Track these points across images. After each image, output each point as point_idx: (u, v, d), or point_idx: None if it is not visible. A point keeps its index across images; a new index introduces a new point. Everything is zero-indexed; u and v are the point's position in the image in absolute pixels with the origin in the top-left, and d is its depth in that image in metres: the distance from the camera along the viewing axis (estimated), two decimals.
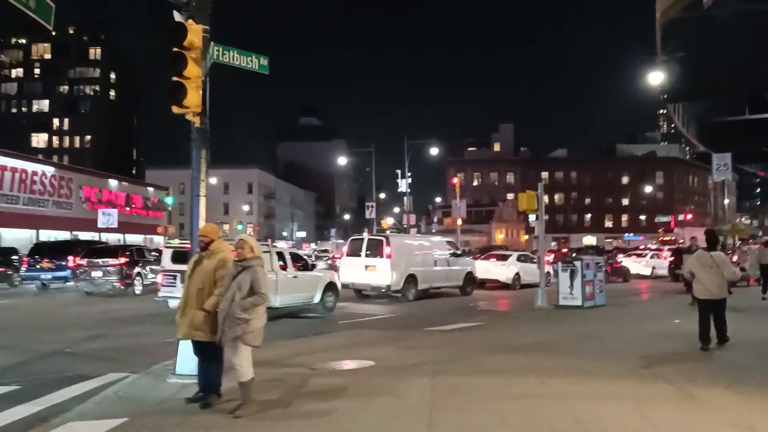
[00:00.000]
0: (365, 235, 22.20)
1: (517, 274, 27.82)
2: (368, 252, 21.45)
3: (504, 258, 29.02)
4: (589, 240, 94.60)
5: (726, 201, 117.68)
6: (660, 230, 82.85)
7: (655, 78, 26.42)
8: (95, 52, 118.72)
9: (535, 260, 31.08)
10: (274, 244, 18.32)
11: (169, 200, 55.32)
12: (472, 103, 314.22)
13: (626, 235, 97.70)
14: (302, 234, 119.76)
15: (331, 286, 18.28)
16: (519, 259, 28.99)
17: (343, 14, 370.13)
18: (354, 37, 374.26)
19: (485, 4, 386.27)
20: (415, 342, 11.86)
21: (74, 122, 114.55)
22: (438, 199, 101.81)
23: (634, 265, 36.82)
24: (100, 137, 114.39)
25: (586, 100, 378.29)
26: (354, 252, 21.87)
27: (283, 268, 16.81)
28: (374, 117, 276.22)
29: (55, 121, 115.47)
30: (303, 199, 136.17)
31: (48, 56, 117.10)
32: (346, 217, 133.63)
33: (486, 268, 27.32)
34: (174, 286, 15.48)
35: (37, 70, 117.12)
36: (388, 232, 42.27)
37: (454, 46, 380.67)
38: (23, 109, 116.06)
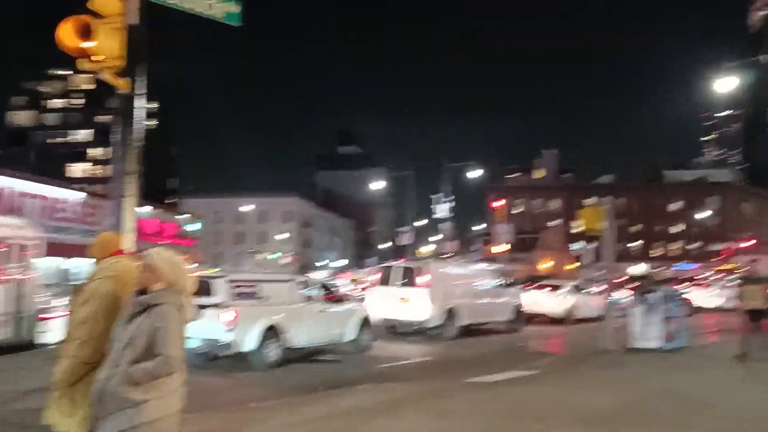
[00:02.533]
0: (399, 263, 19.42)
1: (572, 306, 24.72)
2: (402, 282, 18.68)
3: (556, 288, 25.86)
4: (639, 269, 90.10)
5: None
6: (720, 258, 78.15)
7: (726, 84, 24.13)
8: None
9: (591, 291, 28.02)
10: (306, 273, 15.74)
11: (192, 227, 53.05)
12: (512, 129, 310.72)
13: (675, 265, 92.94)
14: (343, 262, 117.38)
15: (366, 322, 15.61)
16: (573, 289, 25.85)
17: (382, 41, 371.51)
18: (394, 65, 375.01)
19: (526, 30, 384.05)
20: (453, 403, 8.98)
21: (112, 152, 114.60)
22: (477, 227, 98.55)
23: (700, 296, 33.17)
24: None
25: (630, 127, 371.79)
26: (385, 282, 19.09)
27: (307, 299, 14.20)
28: (413, 144, 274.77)
29: (94, 151, 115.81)
30: (341, 227, 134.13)
31: (88, 86, 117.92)
32: (386, 245, 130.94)
33: (534, 300, 24.23)
34: None
35: (77, 101, 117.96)
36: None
37: (494, 74, 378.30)
38: (63, 139, 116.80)
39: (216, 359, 13.05)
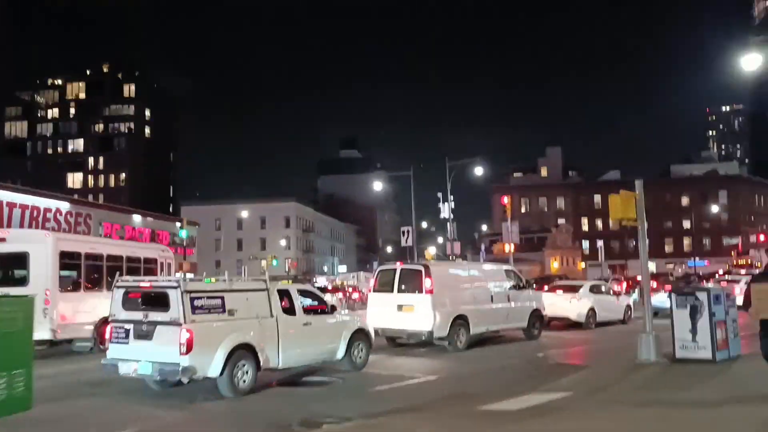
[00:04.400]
0: (398, 265, 17.02)
1: (592, 309, 22.33)
2: (402, 286, 16.31)
3: (574, 290, 23.36)
4: (650, 266, 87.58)
5: None
6: (732, 253, 75.65)
7: (753, 61, 22.26)
8: (130, 89, 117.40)
9: (611, 291, 25.68)
10: (307, 278, 13.38)
11: (183, 233, 50.75)
12: (516, 128, 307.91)
13: (690, 261, 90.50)
14: (343, 268, 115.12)
15: (360, 335, 13.29)
16: (592, 290, 23.44)
17: (384, 42, 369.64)
18: (395, 66, 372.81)
19: (529, 28, 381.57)
20: None
21: (109, 160, 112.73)
22: (484, 227, 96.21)
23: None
24: (136, 175, 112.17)
25: (635, 123, 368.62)
26: (384, 287, 16.72)
27: (287, 311, 11.89)
28: (416, 146, 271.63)
29: (90, 160, 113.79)
30: (344, 232, 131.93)
31: (83, 95, 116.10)
32: (389, 249, 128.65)
33: (551, 303, 21.73)
34: (126, 344, 10.61)
35: (72, 110, 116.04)
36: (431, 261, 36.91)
37: (497, 72, 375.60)
38: (59, 149, 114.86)
39: (179, 385, 10.79)
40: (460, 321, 16.35)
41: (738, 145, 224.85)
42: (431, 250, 56.42)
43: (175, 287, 10.32)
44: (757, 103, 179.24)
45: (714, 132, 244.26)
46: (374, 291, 17.08)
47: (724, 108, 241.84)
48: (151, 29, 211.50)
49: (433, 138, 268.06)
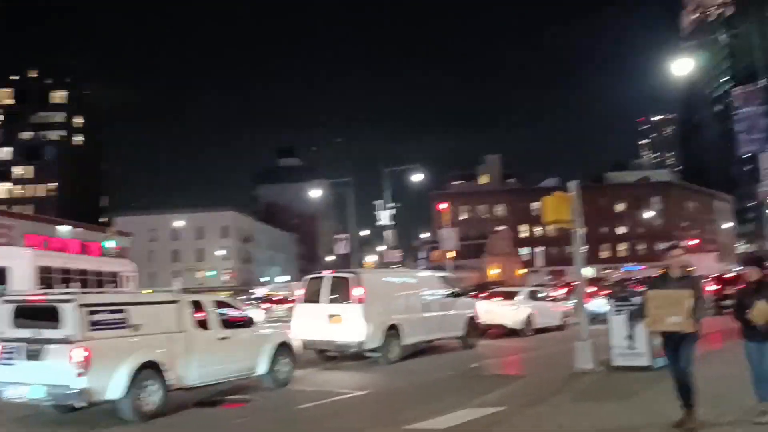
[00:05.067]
0: (327, 273, 16.17)
1: (529, 316, 21.92)
2: (332, 296, 15.47)
3: (511, 296, 22.96)
4: (588, 272, 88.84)
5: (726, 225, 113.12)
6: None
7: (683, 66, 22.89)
8: (60, 96, 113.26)
9: (548, 297, 25.40)
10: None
11: (109, 243, 48.80)
12: (457, 136, 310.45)
13: (624, 266, 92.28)
14: (286, 278, 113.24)
15: (283, 348, 12.41)
16: (529, 296, 23.07)
17: (319, 52, 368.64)
18: (333, 73, 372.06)
19: (466, 36, 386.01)
20: None
21: (38, 170, 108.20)
22: (424, 235, 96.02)
23: None
24: (66, 184, 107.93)
25: (573, 130, 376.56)
26: (312, 297, 15.85)
27: (201, 325, 10.96)
28: (357, 155, 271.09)
29: (17, 170, 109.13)
30: (284, 241, 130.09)
31: (10, 101, 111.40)
32: (331, 258, 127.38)
33: (487, 310, 21.28)
34: (12, 365, 9.46)
35: None
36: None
37: (436, 81, 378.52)
38: None
39: (79, 409, 9.70)
40: (393, 331, 15.61)
41: (669, 153, 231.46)
42: (371, 259, 55.64)
43: (69, 301, 9.27)
44: (687, 112, 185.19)
45: (647, 140, 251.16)
46: (303, 301, 16.21)
47: (656, 117, 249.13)
48: (86, 36, 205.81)
49: (375, 146, 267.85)
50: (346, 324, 14.96)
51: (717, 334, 14.97)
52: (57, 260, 19.51)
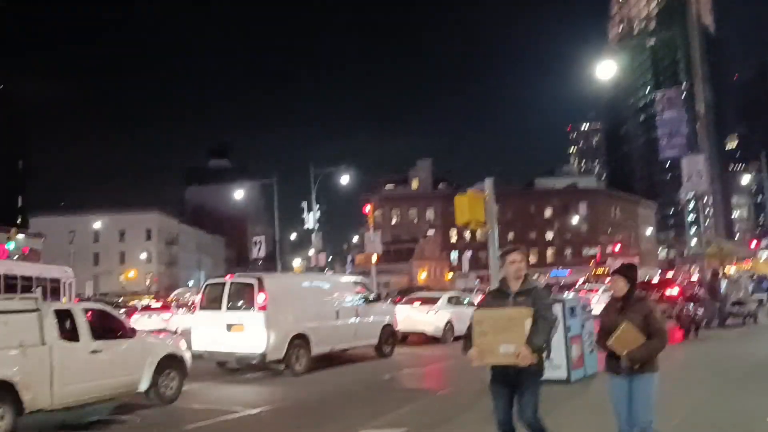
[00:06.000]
0: (227, 278, 14.89)
1: (449, 323, 21.05)
2: (232, 303, 14.20)
3: (431, 301, 22.03)
4: None
5: (648, 231, 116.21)
6: (591, 263, 78.50)
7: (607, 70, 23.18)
8: None
9: (470, 303, 24.61)
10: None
11: (10, 245, 45.97)
12: (388, 141, 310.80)
13: (553, 270, 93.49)
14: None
15: (169, 361, 11.10)
16: (451, 301, 22.20)
17: (255, 51, 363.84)
18: (267, 77, 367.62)
19: (399, 38, 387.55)
20: None
21: None
22: (355, 239, 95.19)
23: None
24: None
25: (504, 136, 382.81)
26: (212, 303, 14.54)
27: (68, 337, 9.58)
28: (289, 158, 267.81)
29: None
30: (211, 244, 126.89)
31: None
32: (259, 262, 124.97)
33: (407, 316, 20.30)
34: None
35: None
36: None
37: (369, 84, 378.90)
38: None
39: None
40: (300, 341, 14.44)
41: (596, 162, 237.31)
42: (297, 262, 54.30)
43: None
44: (613, 121, 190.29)
45: (575, 148, 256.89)
46: (201, 308, 14.89)
47: (583, 126, 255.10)
48: (7, 27, 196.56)
49: (308, 149, 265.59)
50: (247, 333, 13.72)
51: None
52: (2, 267, 20.28)
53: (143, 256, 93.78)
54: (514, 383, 5.42)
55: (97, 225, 78.35)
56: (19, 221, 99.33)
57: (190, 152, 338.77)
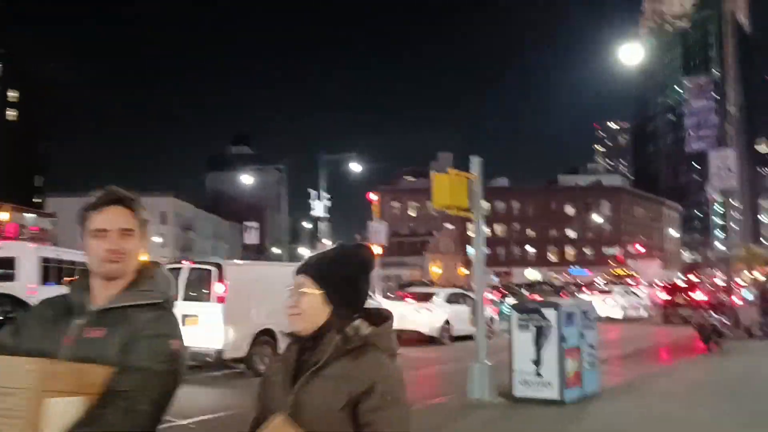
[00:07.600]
0: (185, 264, 13.29)
1: (447, 322, 19.27)
2: (189, 292, 12.58)
3: (427, 298, 20.23)
4: (533, 274, 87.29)
5: (673, 232, 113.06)
6: (612, 263, 76.11)
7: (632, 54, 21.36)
8: None
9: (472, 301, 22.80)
10: None
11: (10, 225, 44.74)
12: (411, 134, 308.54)
13: (571, 268, 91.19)
14: None
15: None
16: (450, 299, 20.37)
17: (281, 41, 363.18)
18: (294, 66, 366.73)
19: (425, 33, 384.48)
20: None
21: None
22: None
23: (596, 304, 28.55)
24: None
25: (530, 134, 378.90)
26: None
27: None
28: (316, 148, 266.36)
29: None
30: (229, 231, 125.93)
31: None
32: (277, 250, 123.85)
33: (401, 314, 18.54)
34: None
35: None
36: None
37: (394, 77, 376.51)
38: None
39: None
40: (266, 338, 12.79)
41: (623, 161, 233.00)
42: (303, 251, 52.80)
43: None
44: (641, 121, 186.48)
45: (602, 148, 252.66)
46: None
47: (611, 125, 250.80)
48: (31, 7, 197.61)
49: (336, 140, 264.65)
50: (202, 327, 12.09)
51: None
52: (51, 252, 21.19)
53: (158, 240, 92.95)
54: None
55: None
56: (37, 201, 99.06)
57: (214, 140, 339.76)
